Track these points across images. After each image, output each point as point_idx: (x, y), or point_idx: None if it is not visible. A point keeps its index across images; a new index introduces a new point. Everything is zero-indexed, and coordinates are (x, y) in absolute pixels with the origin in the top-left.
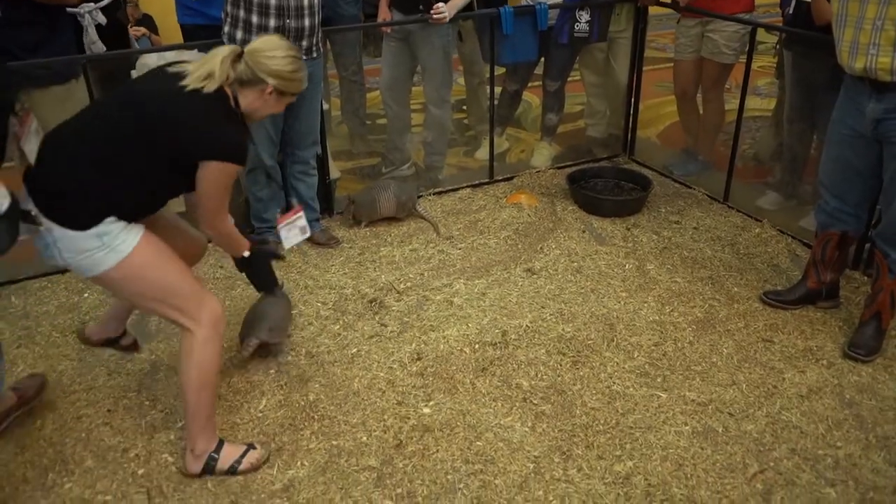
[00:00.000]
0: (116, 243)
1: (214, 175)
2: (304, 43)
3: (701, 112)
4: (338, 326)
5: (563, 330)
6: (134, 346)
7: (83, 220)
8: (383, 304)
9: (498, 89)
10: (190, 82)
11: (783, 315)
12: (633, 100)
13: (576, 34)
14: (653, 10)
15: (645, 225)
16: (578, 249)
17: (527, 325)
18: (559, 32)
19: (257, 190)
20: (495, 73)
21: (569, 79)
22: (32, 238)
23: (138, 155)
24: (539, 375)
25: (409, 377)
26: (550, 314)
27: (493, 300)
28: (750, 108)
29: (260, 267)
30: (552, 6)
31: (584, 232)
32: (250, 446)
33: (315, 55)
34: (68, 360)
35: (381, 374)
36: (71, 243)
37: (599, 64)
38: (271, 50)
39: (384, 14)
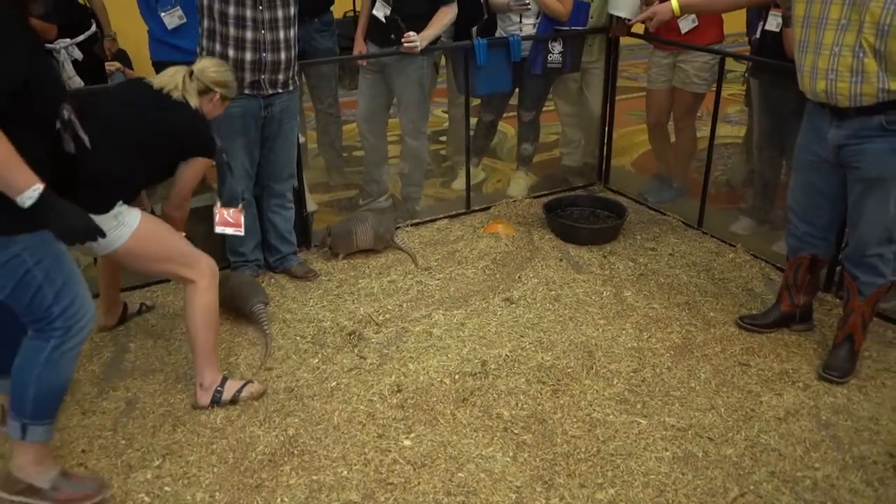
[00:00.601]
0: (127, 220)
1: (200, 166)
2: (281, 77)
3: (673, 140)
4: (316, 360)
5: (542, 358)
6: (146, 308)
7: (106, 205)
8: (362, 337)
9: (473, 120)
10: (185, 98)
11: (759, 339)
12: (606, 129)
13: (549, 65)
14: (624, 40)
15: (621, 252)
16: (556, 278)
17: (506, 355)
18: (532, 63)
19: None
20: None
21: (543, 109)
22: None
23: (151, 155)
24: (519, 405)
25: (389, 409)
26: (530, 343)
27: (473, 330)
28: (721, 135)
29: None
30: (525, 38)
31: (561, 260)
32: (248, 381)
33: (291, 88)
34: None
35: (361, 407)
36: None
37: (573, 94)
38: (213, 66)
39: (359, 47)
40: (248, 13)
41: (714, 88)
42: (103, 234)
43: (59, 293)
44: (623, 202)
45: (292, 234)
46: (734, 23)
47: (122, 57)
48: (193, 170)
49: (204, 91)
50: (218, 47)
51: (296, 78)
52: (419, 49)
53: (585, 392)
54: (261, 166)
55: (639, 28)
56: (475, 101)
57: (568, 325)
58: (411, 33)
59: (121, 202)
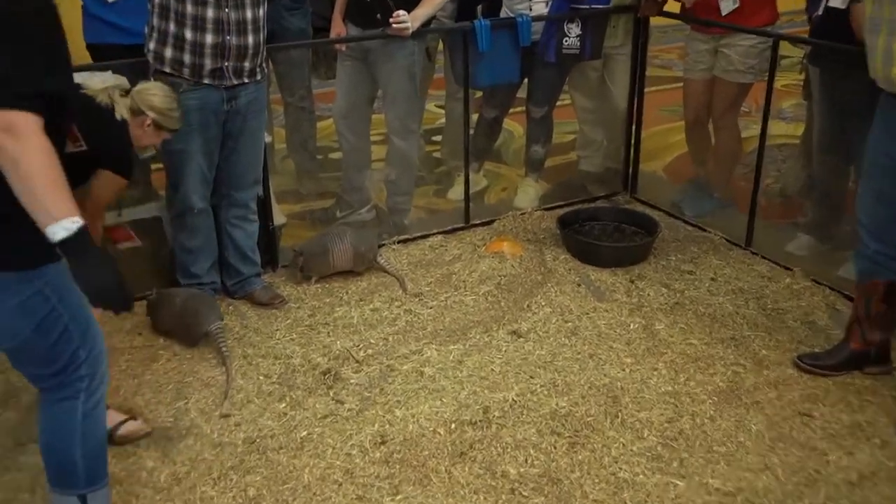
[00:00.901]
0: None
1: (110, 184)
2: (247, 64)
3: (714, 140)
4: (283, 405)
5: (556, 404)
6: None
7: None
8: (339, 377)
9: (474, 117)
10: (116, 108)
11: (823, 383)
12: (633, 127)
13: (564, 50)
14: (655, 20)
15: (652, 276)
16: (573, 307)
17: (513, 400)
18: (545, 49)
19: (185, 239)
20: (471, 98)
21: (557, 103)
22: None
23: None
24: (529, 461)
25: (371, 466)
26: (541, 385)
27: (472, 369)
28: (774, 134)
29: None
30: (536, 18)
31: (579, 286)
32: (131, 417)
33: (259, 78)
34: None
35: (338, 463)
36: None
37: (593, 85)
38: (153, 89)
39: (338, 28)
40: None
41: (765, 78)
42: (130, 307)
43: (85, 334)
44: (654, 215)
45: (256, 253)
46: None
47: None
48: (102, 186)
49: (136, 112)
50: (172, 27)
51: (264, 66)
52: (410, 31)
53: (609, 446)
54: (220, 170)
55: (673, 6)
56: (476, 94)
57: (587, 363)
58: (401, 12)
59: None
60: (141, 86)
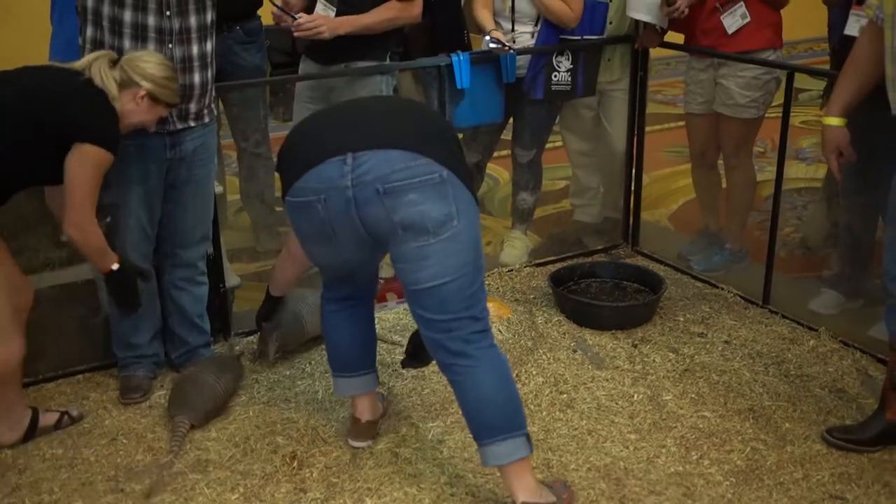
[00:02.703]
0: None
1: (92, 162)
2: (192, 106)
3: (724, 184)
4: (237, 495)
5: None
6: (69, 420)
7: None
8: (303, 461)
9: None
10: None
11: (857, 461)
12: (633, 171)
13: (554, 87)
14: (656, 52)
15: (657, 339)
16: (568, 376)
17: (503, 483)
18: (532, 85)
19: None
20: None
21: (547, 146)
22: None
23: (10, 126)
24: None
25: None
26: (533, 467)
27: (455, 450)
28: (792, 176)
29: (128, 284)
30: (521, 51)
31: (575, 352)
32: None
33: (207, 120)
34: None
35: None
36: None
37: (587, 125)
38: (146, 56)
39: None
40: (151, 20)
41: (776, 114)
42: None
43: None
44: (658, 271)
45: (205, 320)
46: (810, 26)
47: None
48: (81, 166)
49: (127, 84)
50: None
51: (213, 106)
52: (327, 33)
53: None
54: (162, 226)
55: (676, 37)
56: None
57: (586, 441)
58: (310, 15)
59: None
60: (131, 54)
